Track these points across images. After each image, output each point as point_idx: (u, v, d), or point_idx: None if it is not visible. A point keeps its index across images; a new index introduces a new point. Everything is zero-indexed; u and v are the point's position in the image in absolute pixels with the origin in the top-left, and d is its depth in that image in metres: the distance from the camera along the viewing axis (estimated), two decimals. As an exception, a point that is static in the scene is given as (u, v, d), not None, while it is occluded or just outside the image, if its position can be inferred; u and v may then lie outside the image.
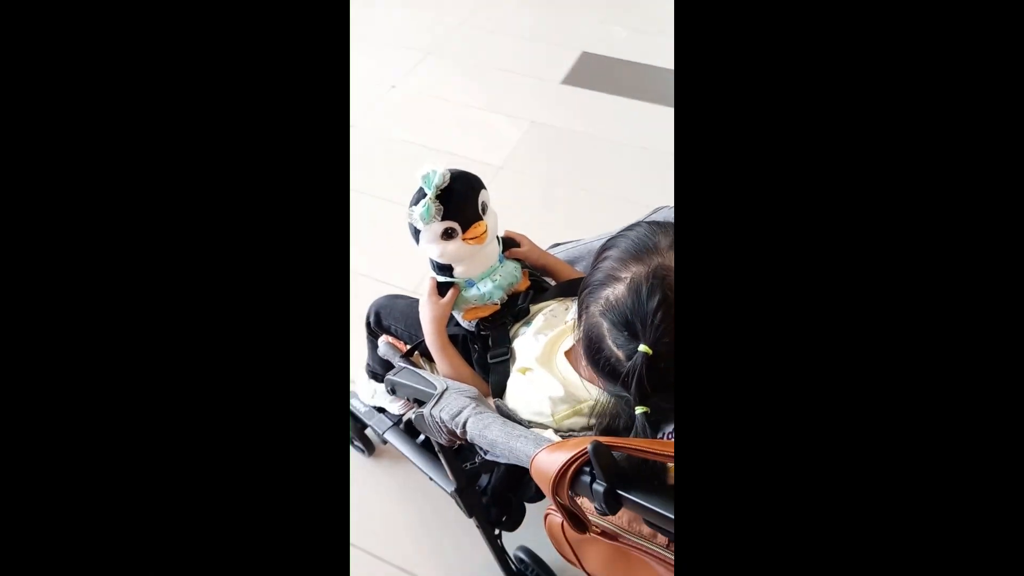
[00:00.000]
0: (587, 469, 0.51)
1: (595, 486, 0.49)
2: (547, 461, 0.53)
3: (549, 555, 1.10)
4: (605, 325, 0.63)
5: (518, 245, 0.93)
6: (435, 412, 0.69)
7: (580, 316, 0.67)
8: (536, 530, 1.13)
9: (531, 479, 1.03)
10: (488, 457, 0.85)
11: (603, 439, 0.51)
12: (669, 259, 0.61)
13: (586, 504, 0.60)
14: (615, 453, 0.50)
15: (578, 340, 0.69)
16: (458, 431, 0.66)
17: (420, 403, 0.80)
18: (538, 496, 1.03)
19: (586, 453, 0.50)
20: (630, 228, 0.68)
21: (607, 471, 0.49)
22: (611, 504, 0.48)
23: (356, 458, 1.29)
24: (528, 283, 0.93)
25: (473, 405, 0.67)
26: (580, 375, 0.74)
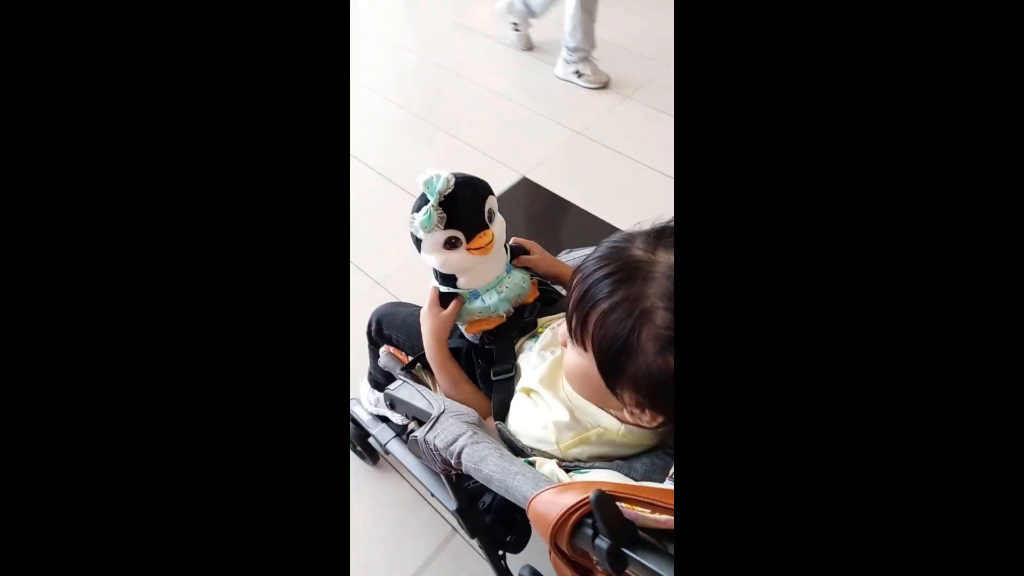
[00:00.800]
0: (589, 521, 0.46)
1: (597, 542, 0.44)
2: (547, 503, 0.48)
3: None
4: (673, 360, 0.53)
5: (527, 253, 0.88)
6: (430, 438, 0.64)
7: (621, 369, 0.56)
8: (542, 549, 1.09)
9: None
10: (489, 480, 0.80)
11: (608, 485, 0.46)
12: (664, 258, 0.55)
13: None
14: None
15: (627, 393, 0.58)
16: (452, 460, 0.61)
17: (420, 421, 0.75)
18: (544, 516, 0.98)
19: (588, 503, 0.45)
20: (591, 258, 0.59)
21: (611, 525, 0.43)
22: (615, 564, 0.43)
23: (359, 467, 1.26)
24: (537, 293, 0.87)
25: (470, 433, 0.62)
26: (587, 399, 0.68)
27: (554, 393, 0.70)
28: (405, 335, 0.93)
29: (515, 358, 0.81)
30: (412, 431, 0.73)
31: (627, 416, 0.61)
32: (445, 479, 0.86)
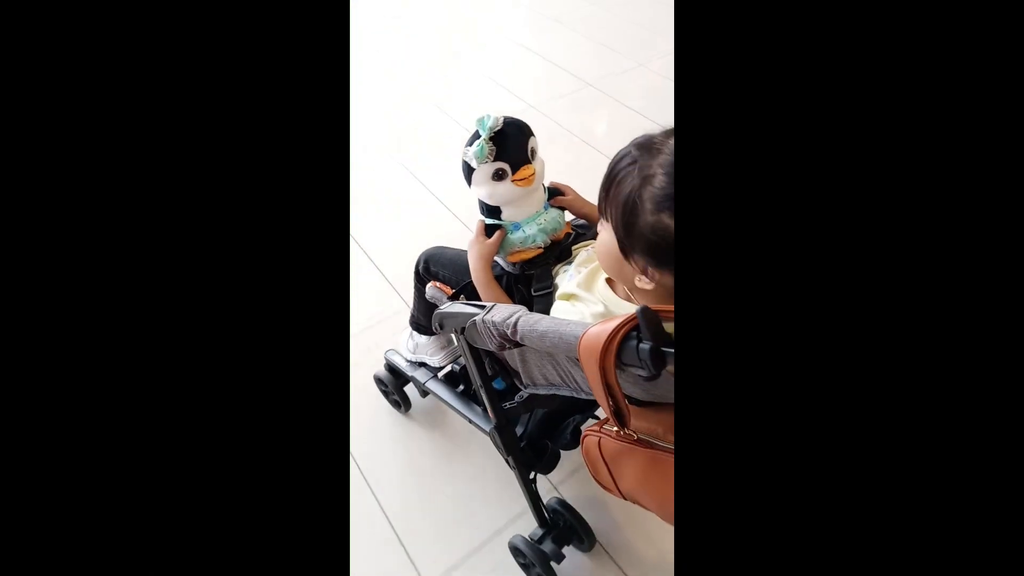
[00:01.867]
0: (634, 334, 0.56)
1: (641, 346, 0.54)
2: (596, 332, 0.58)
3: (584, 509, 1.13)
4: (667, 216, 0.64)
5: (563, 194, 0.99)
6: (487, 318, 0.74)
7: (630, 229, 0.67)
8: (572, 485, 1.16)
9: (566, 426, 1.07)
10: (529, 390, 0.90)
11: (651, 307, 0.56)
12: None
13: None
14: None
15: (636, 255, 0.68)
16: (509, 332, 0.71)
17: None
18: (572, 443, 1.06)
19: (635, 318, 0.55)
20: (620, 150, 0.70)
21: (653, 331, 0.53)
22: (656, 361, 0.53)
23: (392, 415, 1.35)
24: (570, 230, 0.98)
25: (524, 310, 0.72)
26: (618, 296, 0.79)
27: (591, 293, 0.81)
28: (451, 271, 1.04)
29: (553, 279, 0.92)
30: (467, 325, 0.83)
31: (638, 284, 0.71)
32: (486, 396, 0.95)
